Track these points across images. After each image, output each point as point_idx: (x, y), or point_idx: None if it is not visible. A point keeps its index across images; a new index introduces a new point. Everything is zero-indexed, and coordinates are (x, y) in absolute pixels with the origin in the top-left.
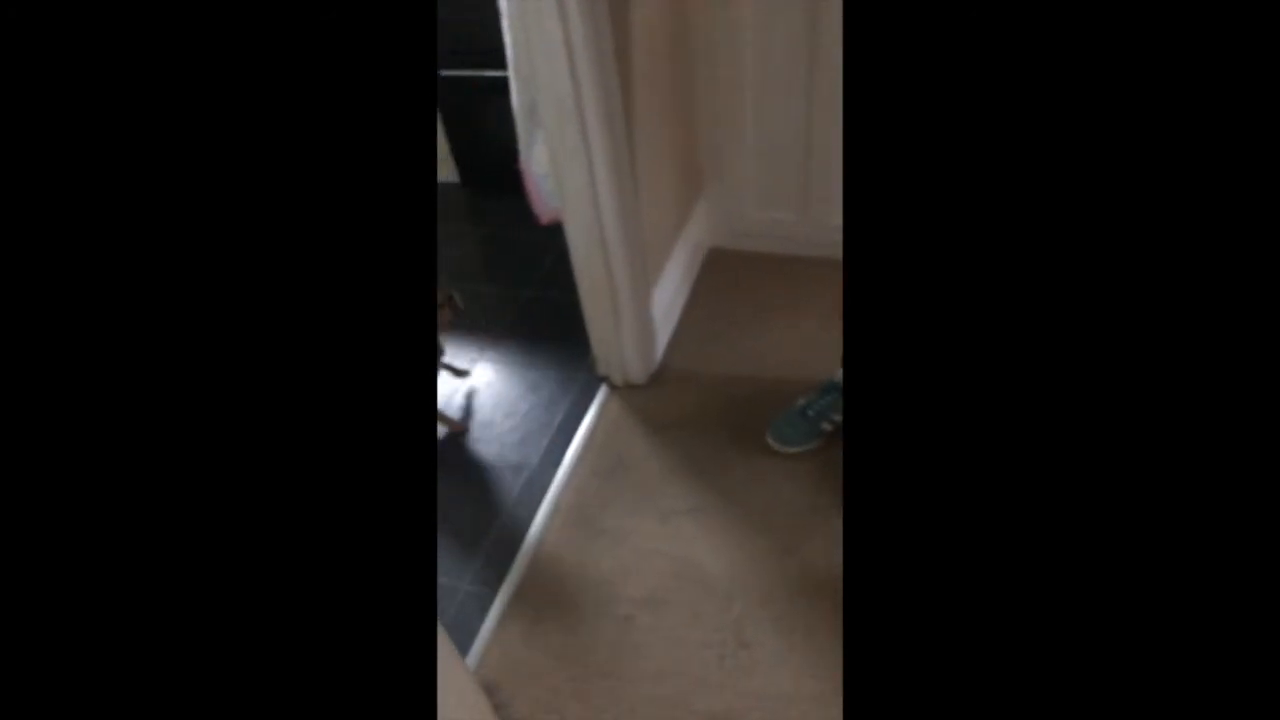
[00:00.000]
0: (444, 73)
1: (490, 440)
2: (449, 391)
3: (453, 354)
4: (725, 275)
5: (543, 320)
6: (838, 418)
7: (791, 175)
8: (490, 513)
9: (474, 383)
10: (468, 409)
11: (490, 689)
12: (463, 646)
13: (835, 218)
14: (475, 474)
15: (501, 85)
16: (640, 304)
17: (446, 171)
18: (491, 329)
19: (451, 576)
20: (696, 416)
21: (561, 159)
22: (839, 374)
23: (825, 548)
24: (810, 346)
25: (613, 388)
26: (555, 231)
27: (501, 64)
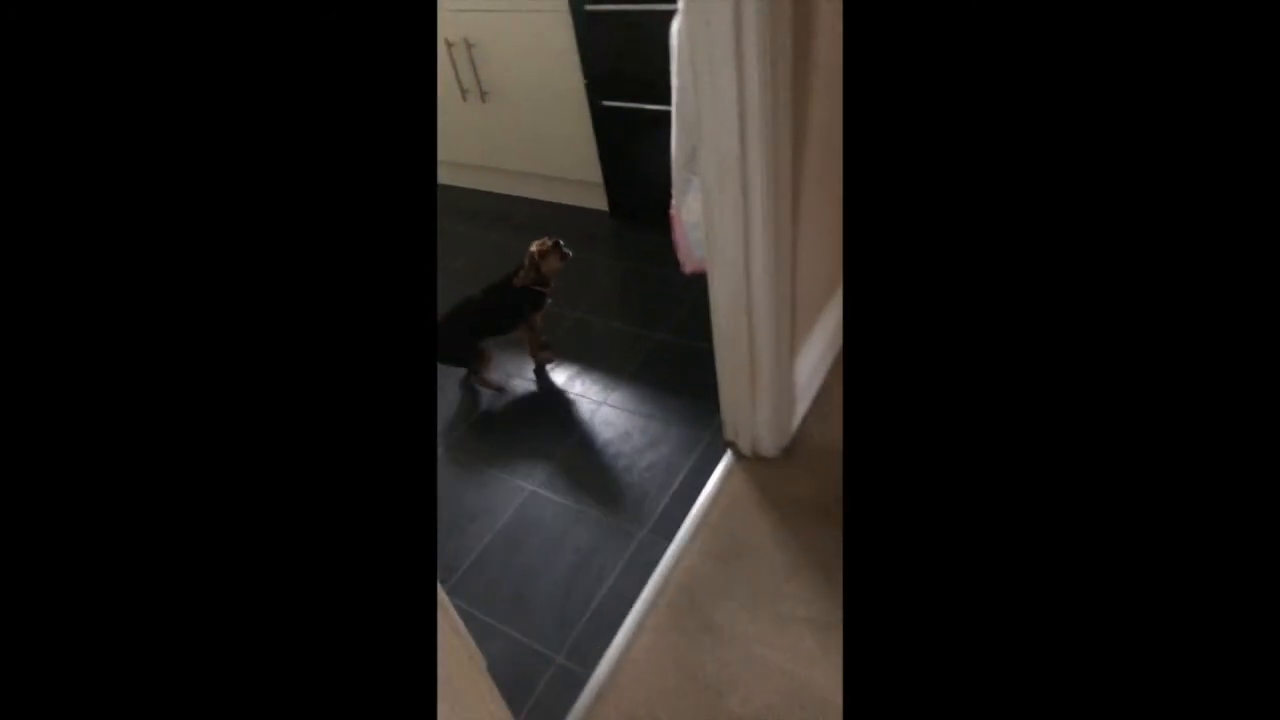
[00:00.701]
0: (605, 102)
1: (604, 495)
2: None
3: (583, 387)
4: None
5: (672, 368)
6: None
7: None
8: (593, 580)
9: (595, 422)
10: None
11: None
12: None
13: None
14: (583, 532)
15: (660, 119)
16: (781, 373)
17: (597, 200)
18: (621, 369)
19: (545, 645)
20: (829, 504)
21: (715, 215)
22: None
23: None
24: None
25: (739, 456)
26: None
27: (663, 98)
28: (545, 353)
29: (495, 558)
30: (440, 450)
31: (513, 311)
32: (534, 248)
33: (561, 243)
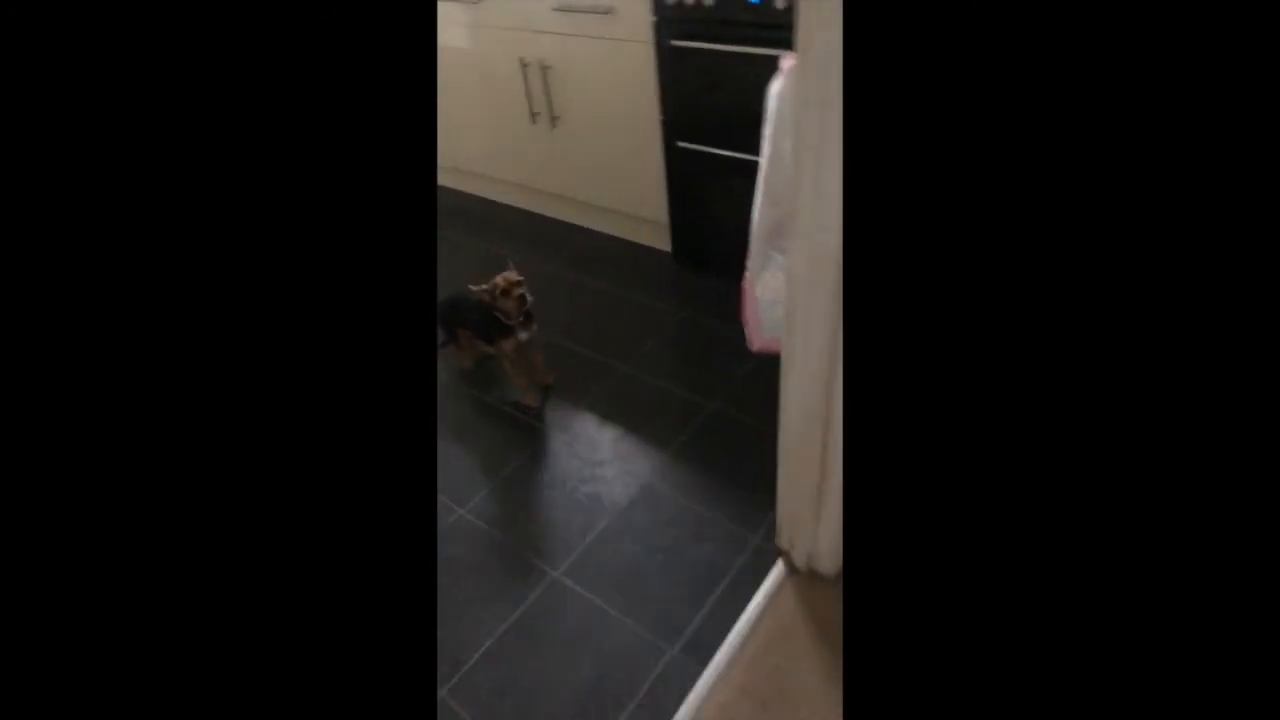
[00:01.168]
0: (680, 143)
1: (634, 595)
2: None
3: (625, 459)
4: None
5: (726, 446)
6: None
7: None
8: (609, 703)
9: (634, 502)
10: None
11: None
12: None
13: None
14: (607, 637)
15: (739, 167)
16: None
17: (660, 240)
18: (668, 441)
19: None
20: None
21: (799, 313)
22: None
23: None
24: None
25: (791, 569)
26: None
27: (743, 146)
28: (530, 395)
29: (506, 653)
30: (459, 514)
31: (484, 323)
32: (500, 280)
33: (527, 294)
